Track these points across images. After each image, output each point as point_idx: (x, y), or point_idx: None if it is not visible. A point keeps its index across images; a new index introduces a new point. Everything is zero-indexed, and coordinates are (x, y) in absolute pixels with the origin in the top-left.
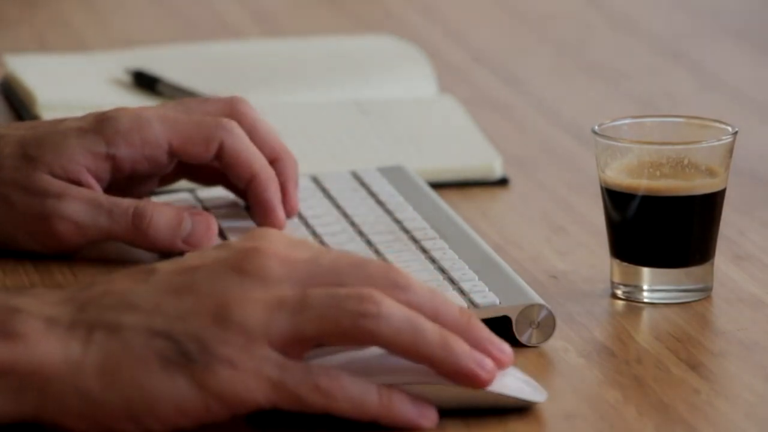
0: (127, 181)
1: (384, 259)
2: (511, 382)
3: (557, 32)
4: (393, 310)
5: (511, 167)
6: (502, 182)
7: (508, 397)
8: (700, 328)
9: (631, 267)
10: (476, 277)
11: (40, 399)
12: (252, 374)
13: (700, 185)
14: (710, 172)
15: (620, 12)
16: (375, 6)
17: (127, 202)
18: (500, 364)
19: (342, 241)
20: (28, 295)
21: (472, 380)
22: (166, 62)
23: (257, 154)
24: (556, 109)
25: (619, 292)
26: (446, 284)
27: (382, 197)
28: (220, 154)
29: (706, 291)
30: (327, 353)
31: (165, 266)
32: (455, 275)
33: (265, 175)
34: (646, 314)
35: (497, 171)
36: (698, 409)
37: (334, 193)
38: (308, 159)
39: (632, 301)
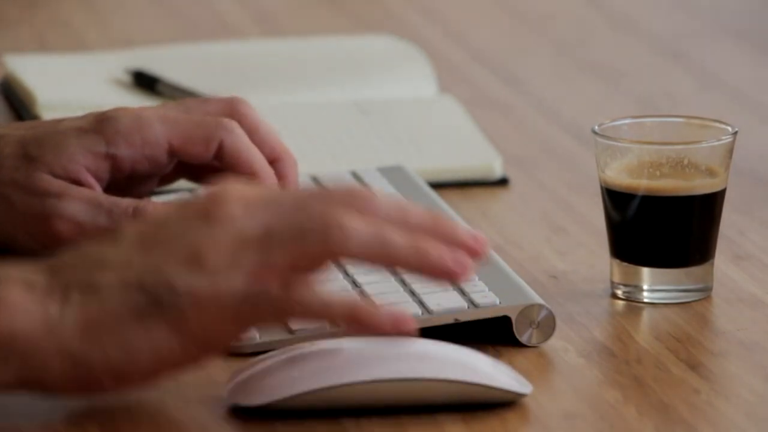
0: (127, 180)
1: None
2: (501, 377)
3: (557, 32)
4: (358, 226)
5: (511, 167)
6: (502, 182)
7: (498, 389)
8: (700, 328)
9: (631, 267)
10: (476, 277)
11: (23, 364)
12: (225, 313)
13: (700, 185)
14: (710, 172)
15: (620, 12)
16: (375, 6)
17: (126, 202)
18: (475, 253)
19: None
20: (4, 266)
21: (450, 277)
22: (166, 62)
23: (257, 155)
24: (556, 109)
25: (619, 292)
26: (446, 284)
27: None
28: (220, 153)
29: (706, 291)
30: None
31: (131, 226)
32: None
33: (265, 175)
34: (646, 314)
35: (497, 171)
36: (698, 409)
37: None
38: (308, 159)
39: (632, 301)
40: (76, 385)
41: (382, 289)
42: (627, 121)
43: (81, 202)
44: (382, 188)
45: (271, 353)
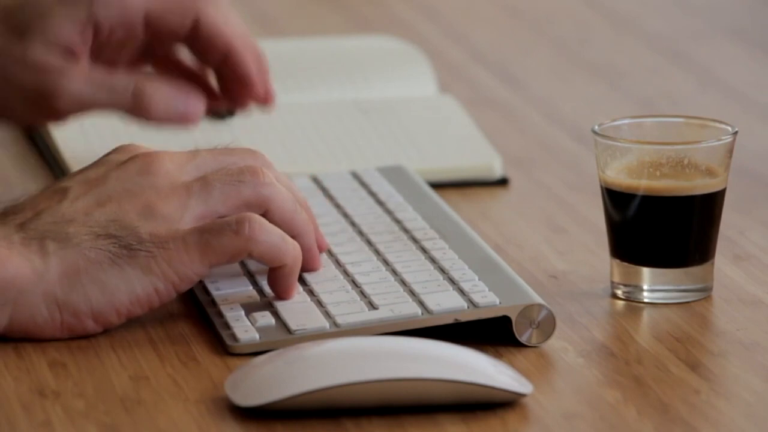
0: (99, 50)
1: (384, 260)
2: (501, 377)
3: (557, 32)
4: (274, 177)
5: (511, 167)
6: (502, 182)
7: (498, 389)
8: (700, 328)
9: (631, 267)
10: (476, 277)
11: (15, 310)
12: (185, 250)
13: (700, 185)
14: (710, 172)
15: (620, 12)
16: (375, 6)
17: (127, 79)
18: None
19: (342, 241)
20: None
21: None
22: None
23: (239, 28)
24: (556, 109)
25: (619, 292)
26: (446, 284)
27: (382, 197)
28: (197, 30)
29: (706, 291)
30: (328, 344)
31: (73, 184)
32: (455, 275)
33: (244, 48)
34: (646, 314)
35: (497, 171)
36: (698, 409)
37: (334, 193)
38: (308, 159)
39: (632, 301)
40: (61, 328)
41: (382, 289)
42: (627, 121)
43: (82, 79)
44: (382, 188)
45: (271, 353)
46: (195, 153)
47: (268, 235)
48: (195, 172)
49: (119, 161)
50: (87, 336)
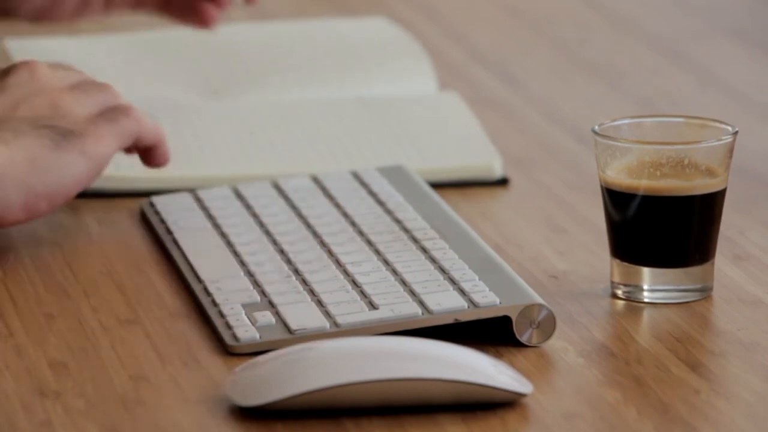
0: None
1: (384, 260)
2: (501, 377)
3: (557, 32)
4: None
5: (511, 167)
6: (502, 182)
7: (498, 389)
8: (700, 328)
9: (631, 267)
10: (476, 277)
11: None
12: (103, 134)
13: (700, 185)
14: (710, 172)
15: (620, 12)
16: (375, 6)
17: None
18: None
19: (342, 241)
20: None
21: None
22: (164, 48)
23: None
24: (556, 109)
25: (619, 292)
26: (446, 284)
27: (382, 197)
28: None
29: (706, 291)
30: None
31: None
32: (455, 275)
33: None
34: (646, 314)
35: (497, 171)
36: (698, 409)
37: (334, 193)
38: (308, 159)
39: (632, 301)
40: (24, 211)
41: (383, 289)
42: (627, 121)
43: None
44: (382, 188)
45: (271, 353)
46: (57, 67)
47: (146, 114)
48: (69, 79)
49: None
50: (40, 216)
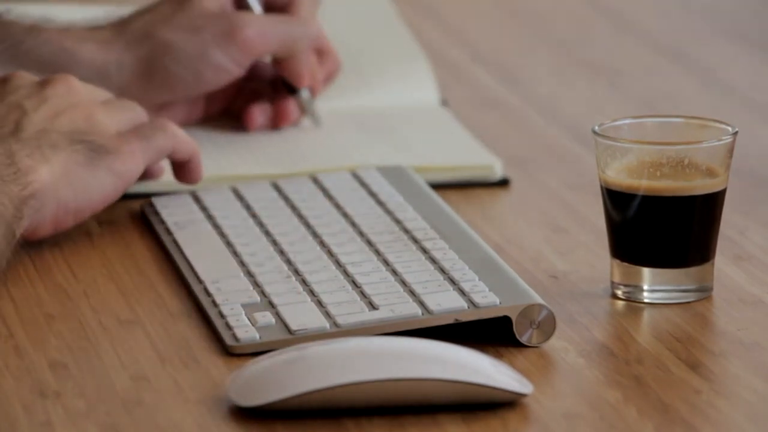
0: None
1: (384, 260)
2: (501, 377)
3: (557, 32)
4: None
5: (511, 167)
6: (503, 183)
7: (498, 389)
8: (700, 328)
9: (631, 267)
10: (476, 278)
11: (37, 212)
12: (134, 151)
13: (700, 185)
14: (710, 172)
15: (620, 12)
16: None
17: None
18: None
19: (342, 241)
20: None
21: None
22: None
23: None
24: (556, 109)
25: (619, 292)
26: (447, 284)
27: (382, 197)
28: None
29: (706, 291)
30: (328, 344)
31: (19, 99)
32: (455, 275)
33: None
34: (646, 314)
35: (497, 172)
36: (698, 409)
37: (334, 193)
38: (308, 159)
39: (632, 301)
40: (53, 225)
41: (383, 289)
42: (627, 121)
43: (257, 16)
44: (382, 188)
45: (271, 353)
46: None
47: (180, 130)
48: (98, 94)
49: (30, 84)
50: (65, 230)
